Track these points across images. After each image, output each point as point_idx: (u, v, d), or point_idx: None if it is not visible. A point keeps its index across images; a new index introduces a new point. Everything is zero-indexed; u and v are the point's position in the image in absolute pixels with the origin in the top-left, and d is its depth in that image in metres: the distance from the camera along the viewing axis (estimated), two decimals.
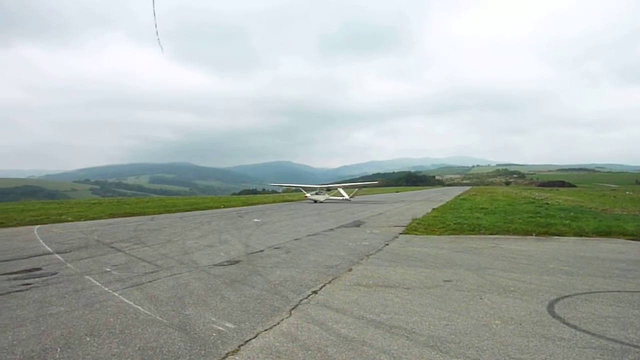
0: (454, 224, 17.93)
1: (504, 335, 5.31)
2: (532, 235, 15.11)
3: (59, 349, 4.87)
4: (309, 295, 7.16)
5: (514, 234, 15.48)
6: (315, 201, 42.77)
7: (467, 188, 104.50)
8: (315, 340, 5.12)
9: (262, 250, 12.07)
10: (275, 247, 12.76)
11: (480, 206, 29.03)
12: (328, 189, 47.30)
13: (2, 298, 7.16)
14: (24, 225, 20.49)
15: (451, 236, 15.24)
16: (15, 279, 8.64)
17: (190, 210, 31.96)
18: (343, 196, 46.77)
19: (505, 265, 9.83)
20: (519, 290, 7.54)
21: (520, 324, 5.69)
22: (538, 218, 19.30)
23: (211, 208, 36.63)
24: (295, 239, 14.51)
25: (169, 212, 30.03)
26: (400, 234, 15.87)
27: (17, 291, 7.61)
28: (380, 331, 5.42)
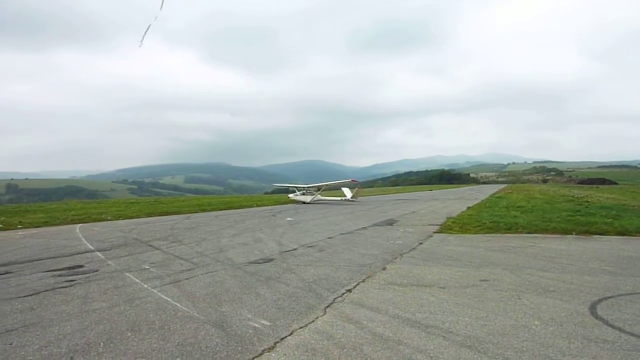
0: (490, 222, 17.59)
1: (544, 336, 5.18)
2: (571, 234, 14.66)
3: (102, 344, 5.02)
4: (343, 294, 7.17)
5: (552, 232, 15.05)
6: (304, 202, 39.56)
7: (503, 186, 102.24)
8: (350, 338, 5.12)
9: (295, 249, 12.15)
10: (309, 245, 12.81)
11: (517, 204, 28.35)
12: (318, 189, 43.00)
13: (47, 294, 7.44)
14: (67, 223, 21.27)
15: (487, 235, 14.95)
16: (59, 275, 8.98)
17: (224, 209, 32.44)
18: (345, 196, 43.15)
19: (544, 264, 9.58)
20: (558, 290, 7.34)
21: (561, 325, 5.54)
22: (578, 216, 18.70)
23: (244, 207, 37.08)
24: (329, 238, 14.53)
25: (204, 211, 30.57)
26: (435, 232, 15.68)
27: (61, 287, 7.90)
28: (416, 330, 5.38)
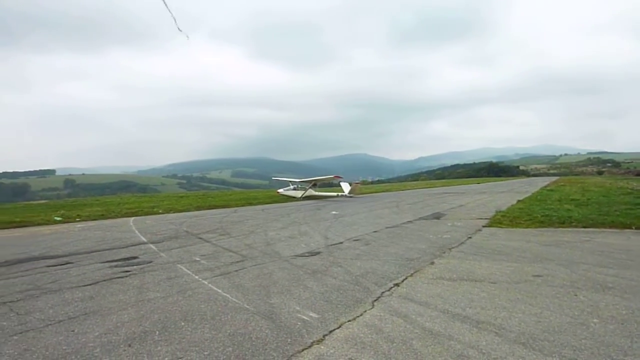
0: (542, 216, 16.97)
1: (604, 334, 4.95)
2: (631, 228, 13.93)
3: (157, 332, 5.20)
4: (391, 288, 7.11)
5: (609, 227, 14.35)
6: (292, 197, 37.66)
7: (555, 178, 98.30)
8: (399, 332, 5.08)
9: (341, 242, 12.15)
10: (354, 239, 12.79)
11: (571, 197, 27.18)
12: (315, 185, 40.94)
13: (105, 284, 7.78)
14: (121, 217, 22.19)
15: (539, 229, 14.43)
16: (116, 266, 9.37)
17: (269, 203, 32.88)
18: (343, 192, 41.23)
19: (601, 260, 9.15)
20: (618, 287, 6.99)
21: (622, 324, 5.28)
22: (638, 210, 17.74)
23: (289, 201, 37.45)
24: (374, 231, 14.45)
25: (250, 204, 31.10)
26: (484, 226, 15.28)
27: (118, 277, 8.25)
28: (467, 326, 5.27)
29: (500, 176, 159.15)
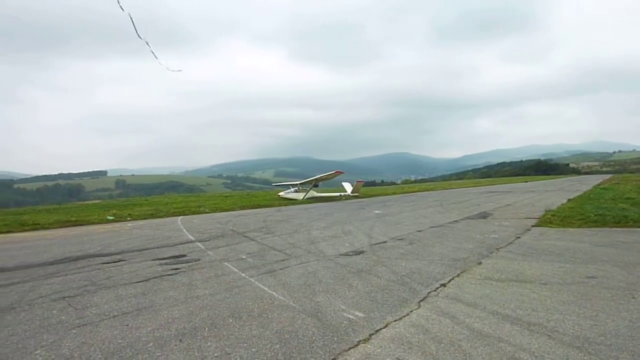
0: (595, 215, 16.25)
1: None
2: None
3: (206, 328, 5.33)
4: (437, 288, 7.00)
5: None
6: (293, 199, 36.49)
7: (608, 176, 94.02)
8: (447, 333, 4.99)
9: (385, 242, 12.07)
10: (399, 238, 12.68)
11: (626, 196, 25.89)
12: (316, 185, 40.02)
13: (156, 281, 8.05)
14: (169, 216, 22.92)
15: (592, 229, 13.83)
16: (165, 264, 9.68)
17: (311, 202, 33.06)
18: (345, 191, 40.37)
19: None
20: None
21: None
22: None
23: (332, 200, 37.51)
24: (418, 231, 14.28)
25: (292, 203, 31.39)
26: (533, 226, 14.80)
27: (168, 275, 8.51)
28: (518, 328, 5.12)
29: (548, 174, 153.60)
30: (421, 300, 6.31)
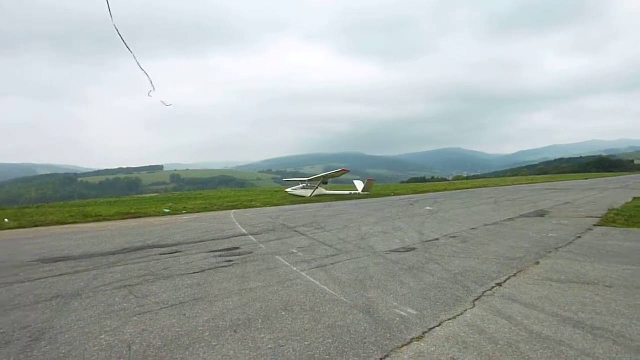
0: None
1: None
2: None
3: (260, 320, 5.42)
4: (492, 288, 6.80)
5: None
6: (301, 197, 35.60)
7: None
8: (504, 334, 4.84)
9: (437, 239, 11.86)
10: (451, 236, 12.42)
11: None
12: (325, 182, 38.70)
13: (211, 272, 8.28)
14: (222, 210, 23.53)
15: None
16: (220, 256, 9.94)
17: (362, 198, 32.94)
18: (356, 190, 39.03)
19: None
20: None
21: None
22: None
23: (382, 196, 37.26)
24: (472, 228, 13.92)
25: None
26: (595, 225, 14.08)
27: (222, 267, 8.73)
28: (580, 332, 4.89)
29: (611, 171, 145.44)
30: (476, 300, 6.15)
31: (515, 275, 7.65)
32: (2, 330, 5.22)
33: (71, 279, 7.99)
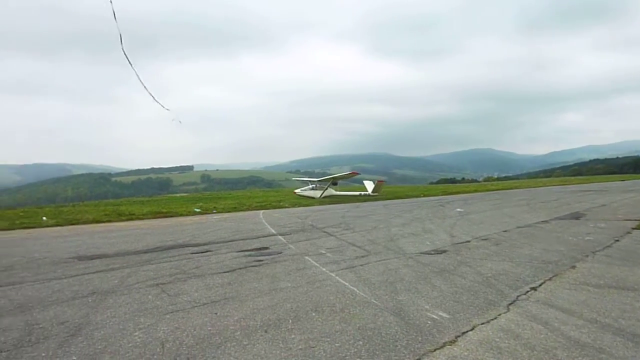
0: None
1: None
2: None
3: (290, 320, 5.43)
4: (527, 292, 6.63)
5: None
6: (310, 197, 35.16)
7: None
8: (540, 340, 4.70)
9: (468, 241, 11.66)
10: (483, 238, 12.19)
11: None
12: (334, 183, 38.36)
13: (241, 271, 8.35)
14: (252, 209, 23.75)
15: None
16: (250, 255, 10.02)
17: (390, 199, 32.75)
18: (366, 190, 38.48)
19: None
20: None
21: None
22: None
23: (410, 197, 36.93)
24: (504, 231, 13.64)
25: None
26: (634, 228, 13.57)
27: (252, 266, 8.80)
28: (620, 339, 4.71)
29: None
30: (510, 304, 6.00)
31: (550, 279, 7.45)
32: (41, 325, 5.38)
33: (106, 276, 8.19)
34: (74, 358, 4.39)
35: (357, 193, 39.19)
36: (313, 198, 35.54)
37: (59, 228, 17.88)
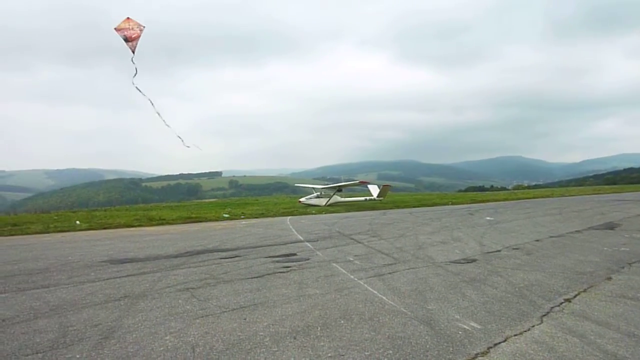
0: None
1: None
2: None
3: (319, 328, 5.43)
4: (561, 303, 6.47)
5: None
6: (315, 206, 34.59)
7: None
8: (576, 353, 4.58)
9: (499, 250, 11.46)
10: (514, 247, 11.96)
11: None
12: (339, 190, 38.11)
13: (269, 277, 8.40)
14: (278, 216, 23.92)
15: None
16: (277, 261, 10.08)
17: (417, 207, 32.45)
18: (371, 195, 38.51)
19: None
20: None
21: None
22: None
23: (438, 204, 36.51)
24: (536, 240, 13.34)
25: (397, 207, 31.12)
26: None
27: (280, 272, 8.85)
28: None
29: None
30: (543, 316, 5.87)
31: (585, 290, 7.26)
32: (75, 327, 5.52)
33: (137, 280, 8.36)
34: None
35: (363, 199, 39.55)
36: (318, 206, 35.11)
37: (91, 232, 18.36)
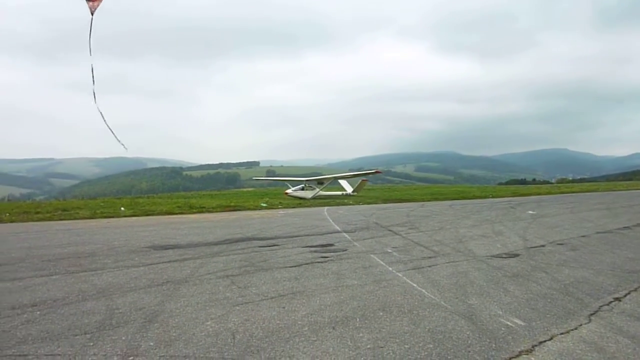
0: None
1: None
2: None
3: (357, 319, 5.39)
4: (610, 302, 6.20)
5: None
6: (301, 198, 34.77)
7: None
8: (627, 355, 4.37)
9: (542, 246, 11.11)
10: (558, 242, 11.57)
11: None
12: (320, 182, 38.10)
13: (307, 267, 8.43)
14: (315, 206, 23.98)
15: None
16: (315, 251, 10.10)
17: (457, 199, 31.90)
18: (345, 190, 38.90)
19: None
20: None
21: None
22: None
23: (478, 197, 35.77)
24: (582, 236, 12.86)
25: (436, 199, 30.69)
26: None
27: (318, 262, 8.86)
28: None
29: None
30: (592, 314, 5.64)
31: (636, 290, 6.93)
32: (120, 310, 5.68)
33: (179, 265, 8.55)
34: (151, 343, 4.58)
35: (340, 193, 40.12)
36: (304, 198, 35.47)
37: (135, 218, 18.94)
